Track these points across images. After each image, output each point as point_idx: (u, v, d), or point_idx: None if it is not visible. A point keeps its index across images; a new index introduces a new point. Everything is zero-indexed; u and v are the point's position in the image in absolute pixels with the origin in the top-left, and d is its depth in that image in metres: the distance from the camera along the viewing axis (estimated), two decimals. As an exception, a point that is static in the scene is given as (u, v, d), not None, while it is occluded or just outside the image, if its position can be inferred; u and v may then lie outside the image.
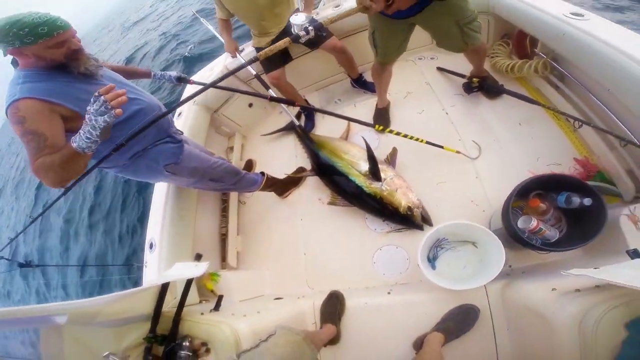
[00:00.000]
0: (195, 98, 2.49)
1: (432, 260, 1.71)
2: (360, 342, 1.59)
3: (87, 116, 1.03)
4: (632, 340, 0.80)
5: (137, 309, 1.19)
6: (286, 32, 2.29)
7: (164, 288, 1.26)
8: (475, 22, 1.70)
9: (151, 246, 1.84)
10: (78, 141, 1.05)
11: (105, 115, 1.01)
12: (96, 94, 1.02)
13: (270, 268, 2.19)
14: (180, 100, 1.37)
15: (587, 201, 1.27)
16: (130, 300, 1.18)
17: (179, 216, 1.96)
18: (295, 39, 1.38)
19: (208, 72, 2.73)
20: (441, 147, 1.99)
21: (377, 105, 2.46)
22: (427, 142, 1.98)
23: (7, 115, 1.15)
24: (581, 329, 0.86)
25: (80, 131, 1.05)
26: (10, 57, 1.21)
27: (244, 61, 2.43)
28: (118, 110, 1.02)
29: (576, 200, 1.30)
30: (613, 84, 1.46)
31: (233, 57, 2.62)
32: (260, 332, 1.24)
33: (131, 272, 3.43)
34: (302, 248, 2.17)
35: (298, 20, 1.42)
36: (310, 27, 1.37)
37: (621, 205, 1.40)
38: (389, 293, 1.69)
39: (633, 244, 1.21)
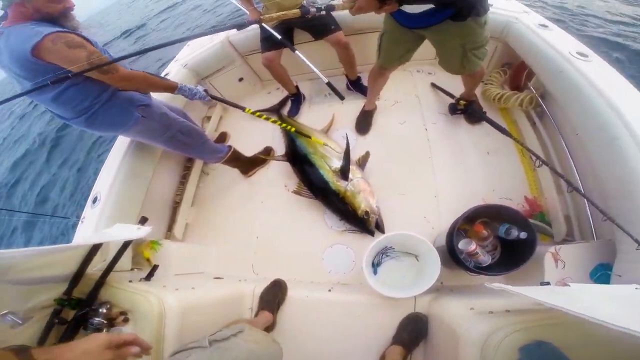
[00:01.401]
0: (187, 61, 2.46)
1: (375, 265, 1.74)
2: (294, 333, 1.61)
3: (197, 88, 1.82)
4: None
5: (57, 267, 1.08)
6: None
7: (95, 248, 1.16)
8: (483, 49, 1.67)
9: (95, 200, 1.76)
10: (182, 86, 1.75)
11: (203, 99, 1.86)
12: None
13: (218, 246, 2.16)
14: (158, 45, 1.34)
15: (523, 235, 1.34)
16: (53, 257, 1.06)
17: (133, 174, 1.88)
18: (305, 12, 1.35)
19: (208, 40, 2.65)
20: (309, 137, 2.13)
21: (364, 107, 2.46)
22: (296, 132, 2.12)
23: (36, 47, 1.24)
24: (484, 348, 0.90)
25: (187, 85, 1.79)
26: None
27: (252, 32, 2.41)
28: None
29: (514, 232, 1.37)
30: (584, 127, 1.51)
31: (257, 24, 2.48)
32: (190, 310, 1.22)
33: (64, 225, 3.29)
34: (256, 231, 2.16)
35: None
36: (322, 9, 1.36)
37: (550, 244, 1.50)
38: (329, 290, 1.71)
39: (548, 277, 1.33)
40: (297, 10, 1.34)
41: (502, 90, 2.22)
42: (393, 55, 1.90)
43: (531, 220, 1.69)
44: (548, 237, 1.74)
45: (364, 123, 2.43)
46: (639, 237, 1.06)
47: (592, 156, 1.43)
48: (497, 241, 1.53)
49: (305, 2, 1.35)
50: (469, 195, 1.93)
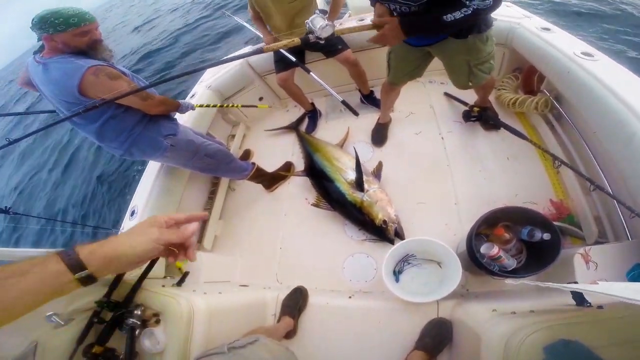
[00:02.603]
0: (211, 83, 2.65)
1: (397, 273, 1.74)
2: (315, 339, 1.63)
3: (187, 103, 1.94)
4: None
5: None
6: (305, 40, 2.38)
7: None
8: (488, 64, 1.69)
9: (132, 213, 1.90)
10: (183, 103, 1.89)
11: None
12: None
13: (244, 257, 2.24)
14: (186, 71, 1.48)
15: (546, 236, 1.31)
16: None
17: (166, 190, 2.03)
18: (305, 40, 1.40)
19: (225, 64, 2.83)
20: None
21: (378, 120, 2.53)
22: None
23: (80, 78, 1.37)
24: (506, 348, 0.88)
25: (185, 102, 1.93)
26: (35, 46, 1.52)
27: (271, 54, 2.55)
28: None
29: (538, 234, 1.34)
30: (600, 126, 1.49)
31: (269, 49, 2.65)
32: (216, 313, 1.28)
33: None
34: (280, 243, 2.22)
35: (315, 23, 1.42)
36: (321, 38, 1.39)
37: (583, 245, 1.43)
38: (350, 297, 1.73)
39: (580, 279, 1.28)
40: (297, 40, 1.38)
41: (516, 94, 2.22)
42: (401, 72, 1.97)
43: (560, 224, 1.69)
44: (579, 240, 1.68)
45: (379, 135, 2.49)
46: None
47: (614, 154, 1.39)
48: (522, 245, 1.49)
49: (308, 29, 1.41)
50: (490, 201, 1.90)
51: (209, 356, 0.93)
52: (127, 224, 1.88)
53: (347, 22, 2.66)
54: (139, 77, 1.69)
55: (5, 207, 1.97)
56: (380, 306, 1.60)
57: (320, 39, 1.39)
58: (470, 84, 1.81)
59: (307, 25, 1.41)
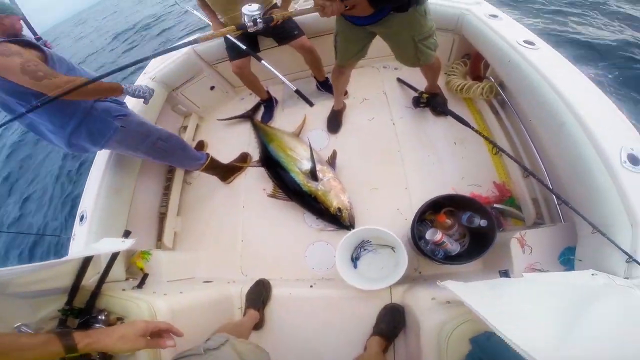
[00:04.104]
0: (155, 74, 2.49)
1: (354, 259, 1.83)
2: (282, 328, 1.70)
3: (139, 86, 1.76)
4: (473, 354, 0.89)
5: (54, 281, 1.18)
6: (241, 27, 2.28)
7: (87, 261, 1.25)
8: (431, 39, 1.76)
9: (82, 218, 1.81)
10: (128, 86, 1.68)
11: (147, 95, 1.77)
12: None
13: (206, 251, 2.23)
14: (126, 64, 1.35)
15: (483, 222, 1.43)
16: (48, 272, 1.14)
17: (115, 190, 1.94)
18: (242, 27, 1.35)
19: (174, 52, 2.64)
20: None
21: (333, 107, 2.54)
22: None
23: None
24: (439, 338, 0.96)
25: (131, 84, 1.73)
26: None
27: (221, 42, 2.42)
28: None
29: (477, 220, 1.46)
30: (535, 114, 1.56)
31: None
32: (180, 313, 1.29)
33: (58, 244, 3.33)
34: (240, 235, 2.23)
35: (249, 10, 1.39)
36: (259, 20, 1.37)
37: (522, 229, 1.55)
38: (311, 286, 1.80)
39: (516, 263, 1.36)
40: (233, 27, 1.33)
41: (464, 80, 2.31)
42: (348, 54, 1.98)
43: (501, 206, 1.81)
44: (520, 222, 1.81)
45: (334, 122, 2.52)
46: (593, 220, 1.04)
47: (545, 142, 1.49)
48: (465, 229, 1.62)
49: (244, 17, 1.35)
50: (439, 185, 2.02)
51: (186, 357, 0.97)
52: (78, 229, 1.79)
53: (302, 7, 2.56)
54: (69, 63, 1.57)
55: None
56: (340, 294, 1.68)
57: (256, 25, 1.35)
58: (419, 61, 1.85)
59: (242, 13, 1.36)
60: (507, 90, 2.04)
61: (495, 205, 1.83)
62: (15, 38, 1.42)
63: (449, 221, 1.53)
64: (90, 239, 1.72)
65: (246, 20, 1.37)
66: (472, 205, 1.51)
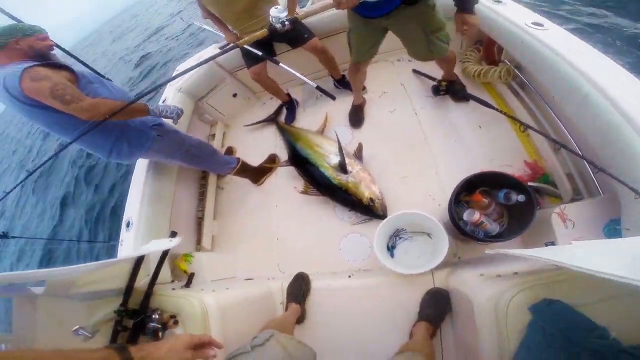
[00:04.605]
0: (181, 85, 2.61)
1: (391, 249, 1.85)
2: (324, 320, 1.73)
3: (167, 106, 1.82)
4: (534, 323, 0.86)
5: (110, 282, 1.24)
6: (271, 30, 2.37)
7: (138, 263, 1.32)
8: (442, 32, 1.79)
9: (128, 224, 1.92)
10: (155, 107, 1.72)
11: (175, 115, 1.83)
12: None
13: (244, 251, 2.31)
14: (158, 83, 1.46)
15: (521, 198, 1.42)
16: (105, 272, 1.22)
17: (157, 196, 2.05)
18: (272, 30, 1.43)
19: (195, 61, 2.80)
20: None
21: (353, 102, 2.59)
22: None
23: (19, 82, 1.35)
24: (496, 310, 0.94)
25: (159, 105, 1.78)
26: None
27: (238, 50, 2.51)
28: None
29: (514, 197, 1.45)
30: (557, 90, 1.57)
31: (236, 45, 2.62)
32: (227, 308, 1.35)
33: (108, 251, 3.52)
34: (275, 233, 2.30)
35: (276, 12, 1.46)
36: (286, 21, 1.44)
37: (561, 205, 1.54)
38: (349, 277, 1.83)
39: (560, 238, 1.35)
40: (265, 31, 1.40)
41: (480, 66, 2.31)
42: (362, 49, 2.03)
43: (536, 184, 1.78)
44: (557, 199, 1.79)
45: (356, 117, 2.57)
46: (634, 184, 1.02)
47: (571, 115, 1.49)
48: (502, 209, 1.62)
49: (272, 19, 1.43)
50: (469, 167, 1.99)
51: (236, 357, 1.03)
52: (125, 235, 1.90)
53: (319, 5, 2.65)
54: (101, 80, 1.67)
55: (3, 232, 1.97)
56: (380, 282, 1.70)
57: (284, 26, 1.44)
58: (432, 54, 1.88)
59: (269, 16, 1.44)
60: (524, 71, 2.05)
61: (529, 183, 1.80)
62: (45, 61, 1.48)
63: (485, 200, 1.53)
64: (137, 243, 1.82)
65: (274, 22, 1.45)
66: (507, 182, 1.51)
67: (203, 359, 0.87)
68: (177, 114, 1.85)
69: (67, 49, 2.11)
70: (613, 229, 1.26)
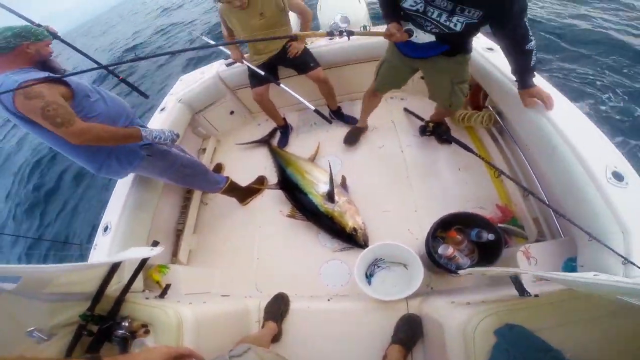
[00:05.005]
0: (182, 96, 2.67)
1: (369, 276, 1.91)
2: (300, 341, 1.74)
3: (162, 130, 1.78)
4: (499, 346, 0.95)
5: (81, 285, 1.19)
6: (281, 55, 2.54)
7: (114, 269, 1.29)
8: (465, 84, 1.92)
9: (106, 229, 1.89)
10: (148, 133, 1.69)
11: (168, 141, 1.79)
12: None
13: (221, 268, 2.29)
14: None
15: (491, 236, 1.55)
16: (82, 274, 1.18)
17: (139, 205, 2.04)
18: (330, 33, 1.57)
19: (199, 75, 2.90)
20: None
21: (356, 124, 2.75)
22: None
23: (12, 97, 1.32)
24: (464, 334, 1.02)
25: (152, 130, 1.73)
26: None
27: (239, 68, 2.65)
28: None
29: (485, 235, 1.58)
30: (531, 140, 1.74)
31: (240, 63, 2.73)
32: (204, 322, 1.34)
33: (68, 250, 3.39)
34: (256, 253, 2.31)
35: (339, 20, 1.59)
36: (345, 32, 1.57)
37: (526, 244, 1.68)
38: (328, 300, 1.87)
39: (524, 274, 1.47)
40: (324, 32, 1.55)
41: (466, 110, 2.50)
42: (387, 80, 2.17)
43: (505, 225, 1.94)
44: (523, 239, 1.93)
45: (352, 137, 2.71)
46: (589, 229, 1.16)
47: (541, 164, 1.66)
48: (473, 245, 1.73)
49: (332, 25, 1.56)
50: (446, 207, 2.10)
51: None
52: (101, 240, 1.86)
53: (318, 40, 2.75)
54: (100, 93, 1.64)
55: None
56: (357, 307, 1.75)
57: (343, 33, 1.58)
58: (451, 105, 2.02)
59: (334, 22, 1.59)
60: (505, 118, 2.21)
61: (499, 225, 1.95)
62: (45, 68, 1.51)
63: (459, 237, 1.64)
64: (112, 249, 1.79)
65: (334, 29, 1.57)
66: (480, 222, 1.64)
67: None
68: (172, 139, 1.82)
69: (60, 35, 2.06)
70: (570, 265, 1.42)
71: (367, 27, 1.73)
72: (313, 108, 2.15)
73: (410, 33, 1.65)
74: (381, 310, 1.67)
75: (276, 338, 1.69)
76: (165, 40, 10.46)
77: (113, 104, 1.68)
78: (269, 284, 2.14)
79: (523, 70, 1.60)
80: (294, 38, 1.60)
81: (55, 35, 1.90)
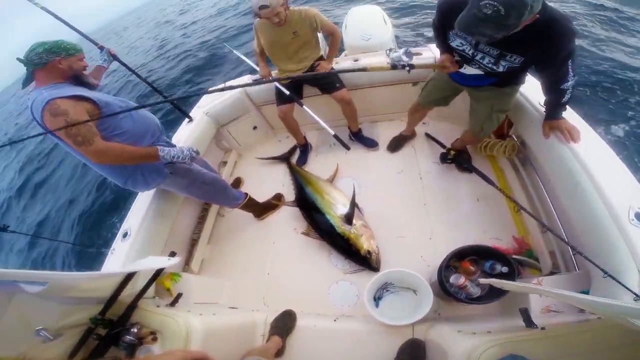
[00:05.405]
0: (209, 109, 2.79)
1: (377, 299, 1.89)
2: (303, 357, 1.74)
3: (181, 149, 1.75)
4: None
5: (96, 291, 1.21)
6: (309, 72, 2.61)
7: (130, 276, 1.30)
8: (503, 114, 1.95)
9: (125, 235, 1.96)
10: (166, 153, 1.67)
11: (187, 159, 1.76)
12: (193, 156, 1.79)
13: (232, 280, 2.32)
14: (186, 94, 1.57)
15: (504, 269, 1.52)
16: (99, 282, 1.21)
17: (161, 214, 2.12)
18: (394, 67, 1.65)
19: (224, 86, 3.00)
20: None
21: (402, 131, 2.80)
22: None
23: (41, 114, 1.39)
24: None
25: (171, 149, 1.71)
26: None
27: (271, 86, 2.70)
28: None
29: (498, 267, 1.55)
30: (554, 173, 1.71)
31: (267, 80, 2.75)
32: (212, 333, 1.35)
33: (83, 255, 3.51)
34: (267, 268, 2.33)
35: (399, 55, 1.64)
36: (407, 66, 1.65)
37: (539, 277, 1.63)
38: (335, 320, 1.86)
39: (535, 305, 1.44)
40: (388, 65, 1.63)
41: (489, 139, 2.46)
42: (432, 96, 2.21)
43: (520, 257, 1.90)
44: (537, 271, 1.89)
45: (395, 143, 2.78)
46: (605, 267, 1.15)
47: (562, 198, 1.63)
48: (486, 276, 1.69)
49: (393, 59, 1.63)
50: (461, 236, 2.11)
51: None
52: (119, 245, 1.93)
53: (343, 62, 2.86)
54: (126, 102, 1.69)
55: (4, 225, 1.99)
56: (363, 328, 1.74)
57: (406, 67, 1.64)
58: (482, 130, 2.03)
59: (392, 58, 1.66)
60: (528, 148, 2.15)
61: (514, 256, 1.91)
62: (78, 83, 1.57)
63: (472, 268, 1.61)
64: (130, 255, 1.85)
65: (396, 62, 1.65)
66: (494, 255, 1.60)
67: None
68: (191, 157, 1.80)
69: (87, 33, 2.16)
70: (582, 300, 1.37)
71: (394, 49, 1.79)
72: (333, 133, 2.20)
73: (460, 65, 1.71)
74: (387, 334, 1.66)
75: (279, 353, 1.70)
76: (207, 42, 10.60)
77: (141, 121, 1.73)
78: (276, 299, 2.15)
79: (553, 104, 1.63)
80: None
81: (115, 57, 2.09)
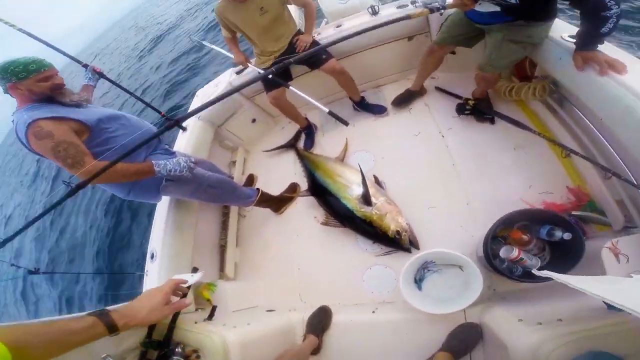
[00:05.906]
0: (200, 113, 2.61)
1: (418, 281, 1.74)
2: (341, 354, 1.67)
3: (178, 161, 1.66)
4: None
5: None
6: (288, 52, 2.40)
7: None
8: (517, 46, 1.75)
9: (152, 256, 1.93)
10: (162, 167, 1.60)
11: (185, 171, 1.67)
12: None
13: (265, 280, 2.26)
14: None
15: (567, 236, 1.29)
16: None
17: (179, 228, 2.05)
18: (431, 10, 1.56)
19: (213, 88, 2.85)
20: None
21: (409, 87, 2.55)
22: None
23: (25, 137, 1.34)
24: None
25: (167, 163, 1.62)
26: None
27: (250, 74, 2.57)
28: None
29: (558, 234, 1.33)
30: (606, 113, 1.43)
31: (244, 67, 2.65)
32: (249, 344, 1.33)
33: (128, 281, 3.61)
34: (297, 263, 2.24)
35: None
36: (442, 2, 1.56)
37: (610, 235, 1.39)
38: (373, 312, 1.73)
39: (611, 274, 1.21)
40: (427, 10, 1.54)
41: (511, 82, 2.16)
42: (450, 33, 2.01)
43: (581, 213, 1.65)
44: (606, 228, 1.61)
45: (403, 100, 2.55)
46: None
47: (625, 141, 1.34)
48: (543, 242, 1.48)
49: (423, 2, 1.60)
50: (504, 196, 1.87)
51: None
52: (150, 266, 1.91)
53: (324, 31, 2.64)
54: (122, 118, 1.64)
55: (35, 268, 2.00)
56: (405, 317, 1.60)
57: (439, 8, 1.58)
58: (489, 65, 1.86)
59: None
60: (562, 87, 1.87)
61: (573, 212, 1.64)
62: (53, 103, 1.45)
63: (525, 237, 1.39)
64: (162, 274, 1.82)
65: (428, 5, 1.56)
66: (550, 218, 1.37)
67: (181, 309, 1.00)
68: (189, 168, 1.72)
69: (79, 51, 2.17)
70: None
71: (376, 7, 1.55)
72: (326, 110, 1.98)
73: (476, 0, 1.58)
74: (434, 321, 1.51)
75: (315, 351, 1.64)
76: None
77: (135, 132, 1.64)
78: (312, 294, 2.07)
79: (588, 33, 1.36)
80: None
81: (101, 75, 2.00)
